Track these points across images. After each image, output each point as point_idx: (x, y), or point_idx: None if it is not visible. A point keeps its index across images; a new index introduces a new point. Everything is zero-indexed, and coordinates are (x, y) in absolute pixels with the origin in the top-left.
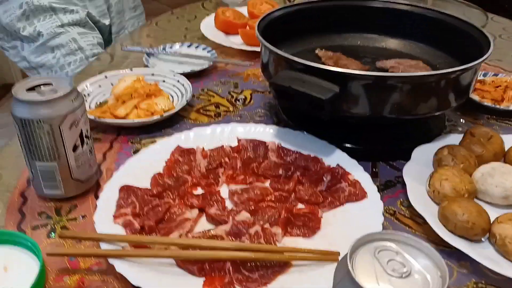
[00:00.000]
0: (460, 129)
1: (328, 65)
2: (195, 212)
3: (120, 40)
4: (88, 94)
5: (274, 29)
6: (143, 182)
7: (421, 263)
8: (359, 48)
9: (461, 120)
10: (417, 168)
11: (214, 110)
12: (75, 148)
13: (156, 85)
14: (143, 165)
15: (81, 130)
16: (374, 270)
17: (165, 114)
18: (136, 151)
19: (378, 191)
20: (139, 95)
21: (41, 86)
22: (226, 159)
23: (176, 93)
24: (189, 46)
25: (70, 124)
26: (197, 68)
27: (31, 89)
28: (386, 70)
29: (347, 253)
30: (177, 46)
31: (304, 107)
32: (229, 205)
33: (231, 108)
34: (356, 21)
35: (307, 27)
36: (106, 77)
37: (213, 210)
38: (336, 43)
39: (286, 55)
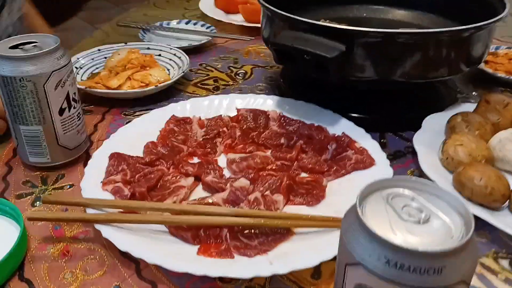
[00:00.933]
0: (472, 101)
1: None
2: (191, 179)
3: (116, 20)
4: (80, 67)
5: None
6: (135, 150)
7: (440, 209)
8: (365, 20)
9: (474, 92)
10: (428, 136)
11: (212, 84)
12: (61, 112)
13: (151, 56)
14: (136, 134)
15: (68, 92)
16: (388, 217)
17: (160, 85)
18: (129, 122)
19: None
20: (133, 66)
21: (26, 45)
22: (225, 129)
23: (172, 67)
24: (187, 23)
25: (56, 84)
26: (195, 43)
27: (14, 47)
28: None
29: (355, 201)
30: (174, 23)
31: (308, 69)
32: (227, 174)
33: (230, 82)
34: None
35: None
36: (99, 50)
37: (209, 178)
38: (340, 14)
39: (287, 14)
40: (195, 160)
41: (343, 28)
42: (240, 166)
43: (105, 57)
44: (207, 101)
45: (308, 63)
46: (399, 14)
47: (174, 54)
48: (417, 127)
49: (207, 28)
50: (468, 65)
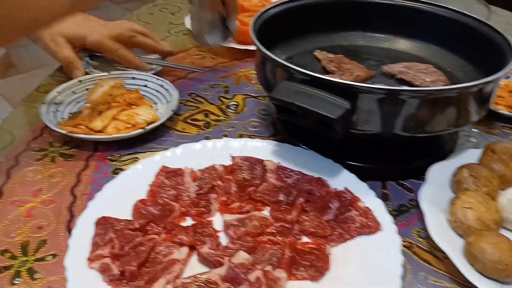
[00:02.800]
0: (474, 140)
1: (330, 69)
2: (185, 251)
3: None
4: (60, 103)
5: (269, 28)
6: (124, 211)
7: None
8: (362, 48)
9: (474, 129)
10: (434, 192)
11: (203, 119)
12: None
13: (137, 92)
14: (123, 191)
15: None
16: None
17: (148, 127)
18: (115, 171)
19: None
20: (118, 104)
21: None
22: (219, 182)
23: (160, 99)
24: None
25: None
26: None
27: None
28: (393, 76)
29: None
30: None
31: (310, 125)
32: (223, 238)
33: (221, 117)
34: (357, 18)
35: (305, 25)
36: (80, 81)
37: (205, 250)
38: (336, 42)
39: (289, 65)
40: (189, 220)
41: (349, 85)
42: (238, 232)
43: (87, 89)
44: (199, 146)
45: (310, 119)
46: (398, 43)
47: (161, 86)
48: (420, 175)
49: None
50: (478, 114)
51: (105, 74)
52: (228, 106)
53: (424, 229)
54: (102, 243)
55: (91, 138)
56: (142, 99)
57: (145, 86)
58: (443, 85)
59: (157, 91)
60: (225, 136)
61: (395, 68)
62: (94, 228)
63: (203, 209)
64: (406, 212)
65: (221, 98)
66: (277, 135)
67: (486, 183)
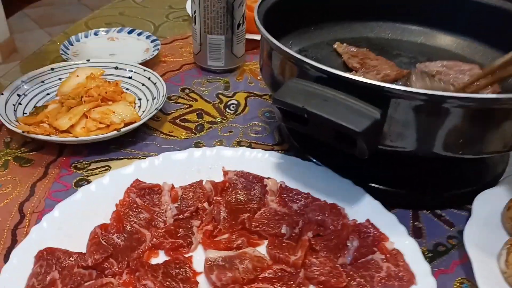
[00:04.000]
0: None
1: (352, 66)
2: None
3: (86, 19)
4: (25, 94)
5: (278, 13)
6: (79, 240)
7: None
8: (391, 42)
9: None
10: (482, 231)
11: (195, 121)
12: (238, 26)
13: (117, 85)
14: (82, 212)
15: (244, 11)
16: None
17: (124, 129)
18: (79, 182)
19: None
20: (90, 99)
21: None
22: (205, 204)
23: (145, 95)
24: (130, 33)
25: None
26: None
27: None
28: (430, 76)
29: None
30: (115, 31)
31: (326, 139)
32: (204, 284)
33: (218, 118)
34: (385, 6)
35: (323, 11)
36: (52, 69)
37: None
38: (360, 34)
39: (301, 57)
40: (161, 256)
41: (380, 86)
42: (223, 278)
43: (60, 79)
44: (184, 155)
45: (327, 131)
46: (435, 38)
47: (149, 78)
48: (462, 203)
49: (152, 42)
50: None
51: (83, 61)
52: (226, 106)
53: (469, 279)
54: (40, 287)
55: (52, 140)
56: (123, 94)
57: (130, 78)
58: (492, 91)
59: (143, 84)
60: (220, 142)
61: (432, 67)
62: (34, 262)
63: (180, 240)
64: (445, 255)
65: (220, 96)
66: (283, 144)
67: None
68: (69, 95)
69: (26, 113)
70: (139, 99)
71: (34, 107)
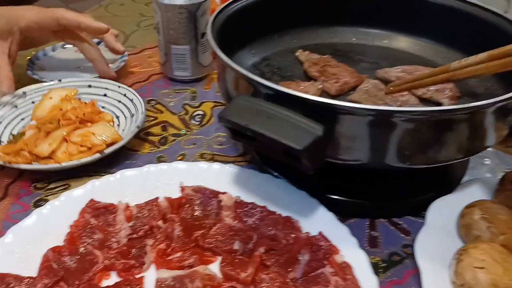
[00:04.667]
0: (487, 161)
1: (311, 74)
2: None
3: None
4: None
5: (240, 24)
6: (32, 264)
7: None
8: (355, 47)
9: (489, 148)
10: (436, 239)
11: (159, 134)
12: (202, 35)
13: (94, 105)
14: (35, 235)
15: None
16: None
17: (108, 151)
18: (37, 202)
19: (379, 273)
20: (69, 122)
21: None
22: (160, 222)
23: (122, 112)
24: (98, 44)
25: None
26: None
27: None
28: (390, 82)
29: None
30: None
31: (274, 155)
32: None
33: (183, 131)
34: (349, 11)
35: (286, 19)
36: (24, 93)
37: None
38: (324, 40)
39: (241, 70)
40: (113, 277)
41: (320, 103)
42: None
43: (33, 102)
44: (141, 171)
45: (273, 148)
46: (396, 41)
47: (124, 95)
48: (419, 211)
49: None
50: (496, 138)
51: (55, 82)
52: (192, 117)
53: None
54: None
55: (37, 168)
56: (100, 114)
57: (105, 95)
58: (450, 96)
59: (119, 101)
60: (183, 156)
61: (392, 73)
62: None
63: (132, 261)
64: (399, 264)
65: (186, 106)
66: (246, 155)
67: (505, 229)
68: (45, 120)
69: (2, 141)
70: (117, 117)
71: (10, 133)
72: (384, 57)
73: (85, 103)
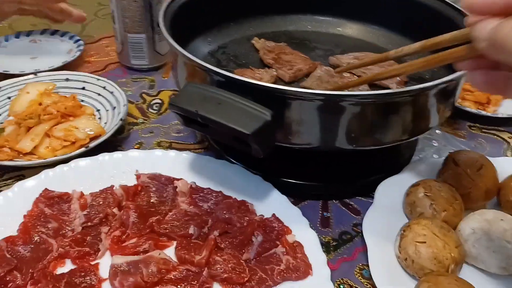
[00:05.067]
0: (435, 143)
1: (267, 62)
2: None
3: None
4: None
5: (195, 12)
6: None
7: None
8: (310, 35)
9: (437, 130)
10: (382, 217)
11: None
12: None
13: (74, 98)
14: None
15: None
16: None
17: (93, 144)
18: None
19: (330, 251)
20: (50, 116)
21: None
22: (115, 210)
23: (103, 105)
24: (52, 34)
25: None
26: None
27: None
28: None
29: None
30: (36, 33)
31: (225, 140)
32: None
33: (140, 119)
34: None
35: (241, 7)
36: None
37: None
38: (280, 28)
39: (191, 57)
40: (68, 265)
41: (267, 88)
42: (125, 284)
43: (9, 97)
44: (95, 161)
45: (223, 133)
46: (350, 28)
47: (104, 87)
48: (370, 192)
49: (75, 42)
50: (439, 118)
51: (31, 76)
52: (150, 106)
53: (369, 265)
54: None
55: (20, 165)
56: (82, 107)
57: (83, 88)
58: (398, 82)
59: (99, 94)
60: (140, 144)
61: (344, 59)
62: None
63: (87, 248)
64: (349, 242)
65: (144, 95)
66: (203, 142)
67: (446, 206)
68: (25, 115)
69: None
70: (98, 110)
71: None
72: (337, 44)
73: (65, 96)
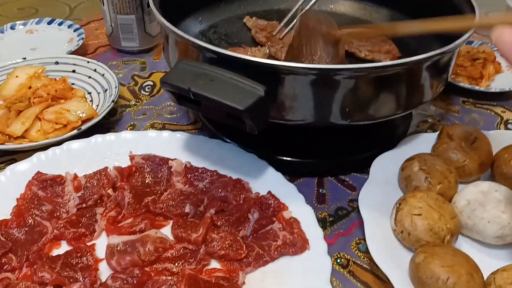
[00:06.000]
0: (429, 120)
1: (259, 40)
2: None
3: None
4: None
5: None
6: None
7: None
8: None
9: (431, 106)
10: (378, 191)
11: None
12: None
13: (65, 81)
14: None
15: None
16: None
17: (85, 127)
18: None
19: (326, 226)
20: (41, 99)
21: None
22: (110, 191)
23: (94, 88)
24: (49, 23)
25: None
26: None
27: None
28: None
29: None
30: (33, 23)
31: (218, 117)
32: (106, 270)
33: (132, 101)
34: None
35: None
36: None
37: None
38: (271, 6)
39: (183, 35)
40: (64, 245)
41: (260, 63)
42: (123, 263)
43: None
44: (88, 143)
45: (216, 110)
46: (342, 5)
47: (94, 70)
48: (365, 167)
49: (75, 31)
50: (432, 93)
51: (20, 60)
52: (142, 87)
53: (365, 239)
54: None
55: (12, 148)
56: (72, 90)
57: (73, 71)
58: (391, 56)
59: (89, 77)
60: (133, 126)
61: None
62: None
63: (82, 229)
64: (345, 218)
65: (135, 77)
66: (197, 123)
67: (441, 179)
68: (14, 99)
69: None
70: (89, 93)
71: None
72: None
73: (55, 79)
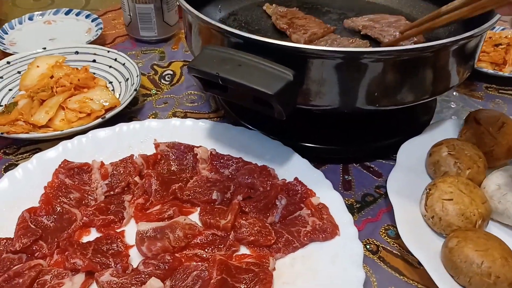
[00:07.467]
0: (453, 105)
1: (280, 27)
2: (79, 280)
3: None
4: None
5: None
6: (8, 226)
7: None
8: (327, 2)
9: (454, 92)
10: (406, 177)
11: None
12: None
13: (87, 70)
14: (9, 198)
15: None
16: None
17: (109, 115)
18: (9, 167)
19: (354, 213)
20: (63, 88)
21: None
22: (137, 178)
23: (115, 77)
24: (67, 13)
25: None
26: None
27: None
28: (357, 32)
29: None
30: (51, 13)
31: (246, 103)
32: (136, 256)
33: (153, 90)
34: None
35: None
36: (8, 63)
37: (106, 277)
38: None
39: (209, 20)
40: (93, 232)
41: (290, 47)
42: (153, 248)
43: (19, 72)
44: (113, 131)
45: (244, 95)
46: None
47: (115, 60)
48: (390, 154)
49: (93, 21)
50: (459, 78)
51: (40, 50)
52: (162, 77)
53: (394, 225)
54: None
55: (37, 137)
56: (95, 79)
57: (94, 61)
58: (416, 41)
59: (110, 66)
60: (155, 115)
61: (359, 22)
62: None
63: (111, 216)
64: (373, 204)
65: (155, 67)
66: (219, 111)
67: (470, 164)
68: (37, 88)
69: None
70: (110, 82)
71: None
72: (350, 7)
73: (77, 69)
